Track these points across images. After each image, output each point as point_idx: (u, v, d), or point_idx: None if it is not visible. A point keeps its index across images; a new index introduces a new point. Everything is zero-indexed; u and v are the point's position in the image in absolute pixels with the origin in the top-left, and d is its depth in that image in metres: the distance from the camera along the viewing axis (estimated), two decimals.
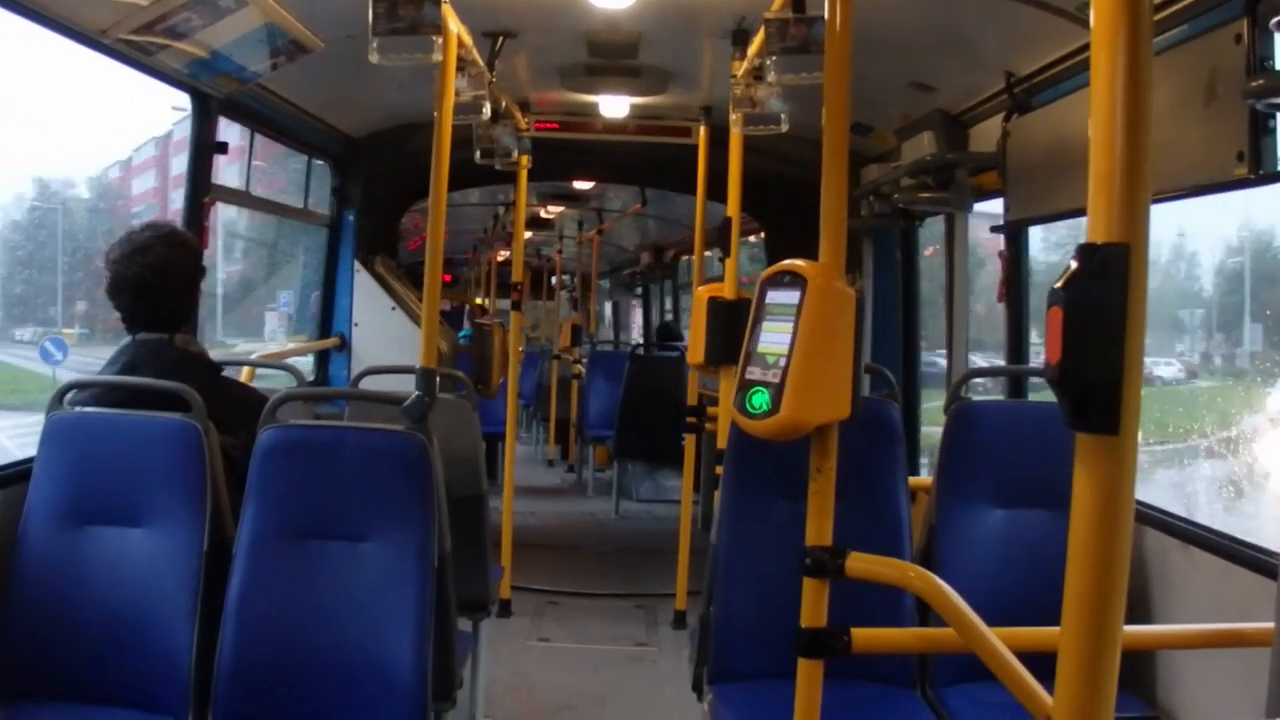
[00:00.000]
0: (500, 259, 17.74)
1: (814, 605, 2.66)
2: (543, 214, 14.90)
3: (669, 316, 16.99)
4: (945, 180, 5.96)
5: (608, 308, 24.02)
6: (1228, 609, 3.58)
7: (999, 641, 2.23)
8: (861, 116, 6.51)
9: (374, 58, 3.91)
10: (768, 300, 2.71)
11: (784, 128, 5.08)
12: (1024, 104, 5.21)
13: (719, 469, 4.43)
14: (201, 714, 3.64)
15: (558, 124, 7.77)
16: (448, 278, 19.80)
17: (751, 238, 11.18)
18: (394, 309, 8.11)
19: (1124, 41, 1.48)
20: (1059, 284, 1.51)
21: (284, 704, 3.63)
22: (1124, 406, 1.49)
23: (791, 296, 2.62)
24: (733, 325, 5.60)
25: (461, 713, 5.13)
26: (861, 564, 2.62)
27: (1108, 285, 1.47)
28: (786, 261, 2.71)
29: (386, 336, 7.95)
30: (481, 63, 5.06)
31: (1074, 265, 1.50)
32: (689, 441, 7.46)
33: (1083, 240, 1.50)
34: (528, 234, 16.30)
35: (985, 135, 5.67)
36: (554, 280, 19.50)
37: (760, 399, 2.58)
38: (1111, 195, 1.47)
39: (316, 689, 3.63)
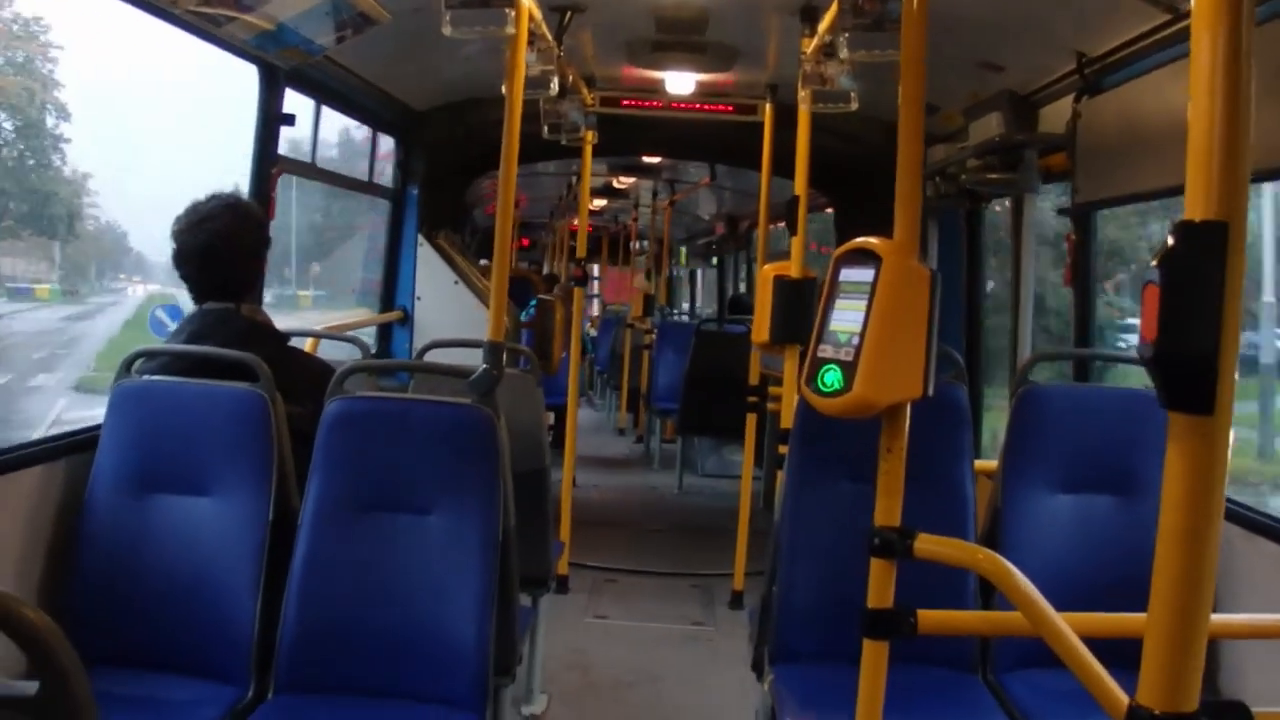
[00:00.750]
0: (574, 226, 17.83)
1: (881, 586, 2.64)
2: (616, 184, 14.90)
3: (743, 288, 16.95)
4: (1013, 161, 5.90)
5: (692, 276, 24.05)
6: None
7: (1068, 627, 2.20)
8: (929, 96, 6.39)
9: (447, 29, 3.91)
10: (842, 278, 2.69)
11: (854, 105, 5.04)
12: (1095, 85, 5.15)
13: (782, 448, 4.42)
14: (263, 683, 3.66)
15: (623, 100, 7.75)
16: (525, 242, 19.90)
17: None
18: (457, 283, 8.12)
19: (1224, 13, 1.45)
20: (1154, 262, 1.48)
21: (345, 674, 3.65)
22: (1220, 386, 1.46)
23: (866, 274, 2.59)
24: (798, 304, 5.58)
25: (519, 687, 5.15)
26: (930, 545, 2.60)
27: (1206, 263, 1.44)
28: (861, 240, 2.68)
29: (449, 311, 7.95)
30: (550, 37, 5.06)
31: (1171, 243, 1.47)
32: (750, 420, 7.43)
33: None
34: (602, 202, 16.47)
35: (1054, 116, 5.61)
36: (632, 247, 19.54)
37: (833, 377, 2.56)
38: (1210, 172, 1.44)
39: (378, 660, 3.64)
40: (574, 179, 13.13)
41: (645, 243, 19.90)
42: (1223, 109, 1.44)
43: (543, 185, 14.08)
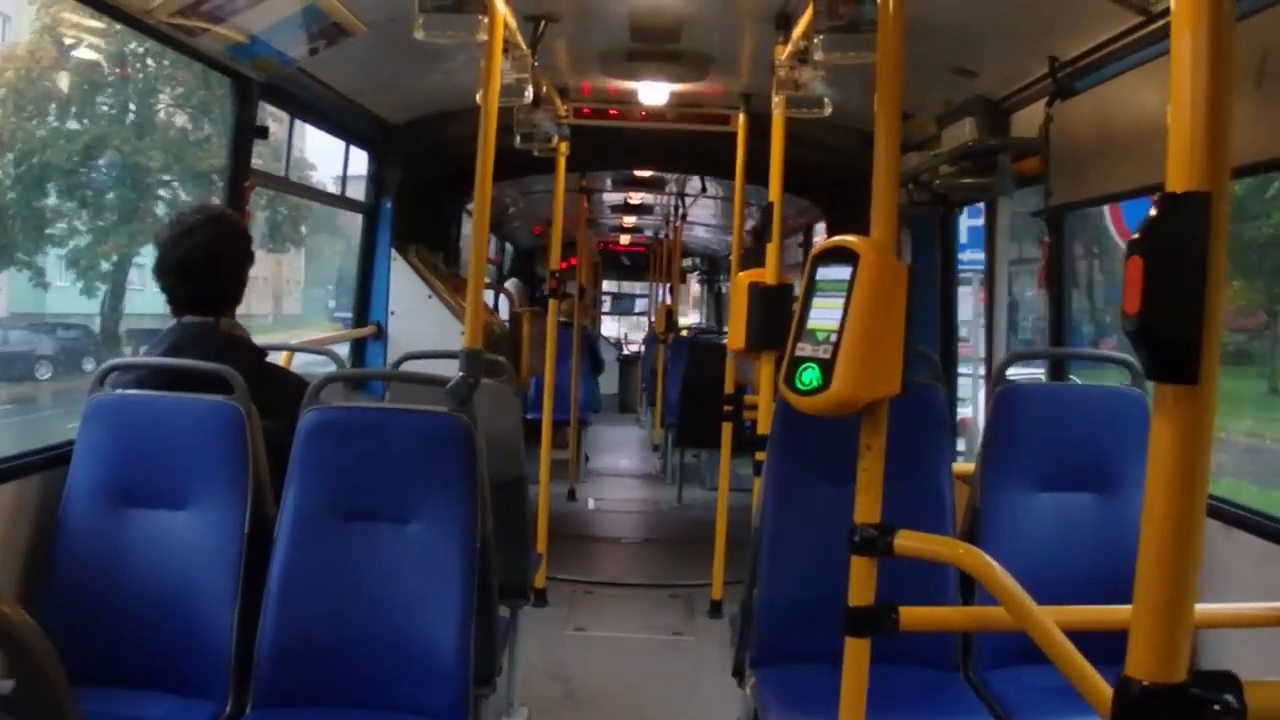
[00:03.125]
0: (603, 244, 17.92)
1: (862, 584, 2.63)
2: (630, 200, 14.91)
3: None
4: (986, 166, 5.93)
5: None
6: (1275, 591, 3.54)
7: (1050, 621, 2.20)
8: (902, 103, 6.43)
9: (419, 34, 3.91)
10: (818, 276, 2.68)
11: (827, 111, 5.05)
12: (1067, 89, 5.17)
13: (760, 454, 4.42)
14: (242, 697, 3.64)
15: (597, 110, 7.75)
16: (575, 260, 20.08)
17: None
18: (430, 298, 8.11)
19: None
20: (1138, 234, 1.48)
21: (324, 686, 3.63)
22: (1204, 356, 1.46)
23: (843, 272, 2.59)
24: (774, 310, 5.58)
25: (498, 699, 5.13)
26: (910, 542, 2.60)
27: (1188, 234, 1.44)
28: (838, 237, 2.69)
29: (423, 325, 7.94)
30: (525, 45, 5.06)
31: (1154, 213, 1.47)
32: (725, 430, 7.43)
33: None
34: (632, 219, 16.68)
35: (1027, 121, 5.64)
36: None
37: (811, 375, 2.56)
38: (1193, 141, 1.44)
39: (358, 671, 3.62)
40: (575, 193, 13.03)
41: (697, 259, 19.97)
42: (1206, 79, 1.44)
43: (545, 202, 14.04)
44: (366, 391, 6.88)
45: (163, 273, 4.04)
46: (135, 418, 3.83)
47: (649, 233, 19.02)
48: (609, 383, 19.98)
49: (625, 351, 21.93)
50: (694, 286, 26.61)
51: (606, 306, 25.74)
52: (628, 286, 25.95)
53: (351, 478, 3.73)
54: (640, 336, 22.58)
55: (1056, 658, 2.12)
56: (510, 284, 12.70)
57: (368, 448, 3.74)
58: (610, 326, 26.30)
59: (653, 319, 20.72)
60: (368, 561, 3.67)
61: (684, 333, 14.35)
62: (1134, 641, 1.53)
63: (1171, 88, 1.47)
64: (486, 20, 3.90)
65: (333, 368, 4.67)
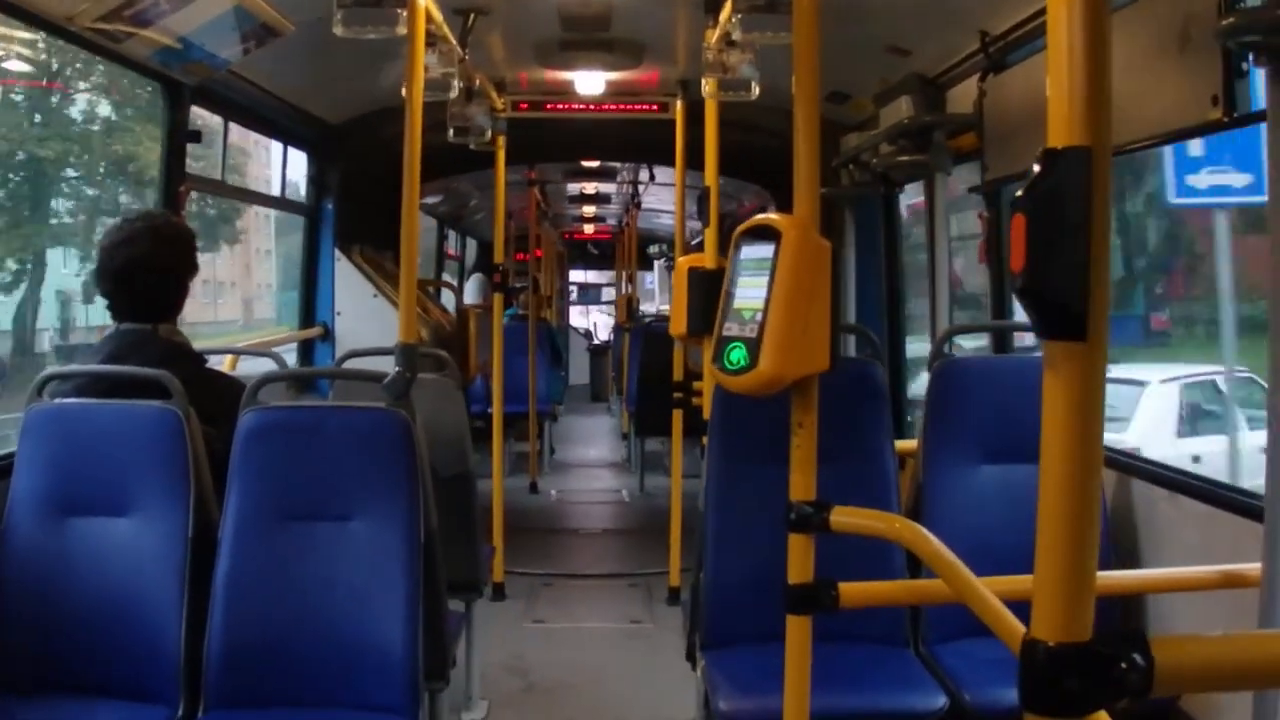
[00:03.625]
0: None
1: (800, 561, 2.64)
2: (585, 190, 14.93)
3: None
4: (923, 144, 5.95)
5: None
6: (1217, 555, 3.57)
7: (984, 588, 2.21)
8: (839, 84, 6.49)
9: (338, 29, 3.89)
10: (742, 255, 2.69)
11: (755, 93, 5.05)
12: (999, 63, 5.19)
13: (704, 439, 4.43)
14: (193, 700, 3.62)
15: (533, 103, 7.74)
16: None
17: None
18: (376, 296, 8.08)
19: None
20: (1020, 192, 1.49)
21: (275, 687, 3.62)
22: (1091, 312, 1.46)
23: (766, 250, 2.60)
24: (714, 294, 5.57)
25: (456, 693, 5.12)
26: (846, 517, 2.61)
27: (1069, 190, 1.44)
28: (760, 216, 2.70)
29: (370, 325, 7.91)
30: (453, 39, 5.04)
31: (1036, 169, 1.48)
32: (675, 417, 7.43)
33: None
34: (591, 209, 16.76)
35: (963, 97, 5.66)
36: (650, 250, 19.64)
37: (738, 354, 2.57)
38: (1072, 96, 1.44)
39: (308, 670, 3.61)
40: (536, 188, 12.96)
41: (663, 246, 19.92)
42: (1082, 35, 1.44)
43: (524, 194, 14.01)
44: (314, 395, 6.85)
45: (100, 280, 4.02)
46: (74, 426, 3.81)
47: (611, 220, 19.05)
48: (580, 374, 19.96)
49: (595, 342, 21.91)
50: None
51: (574, 297, 25.72)
52: (600, 276, 25.85)
53: (292, 478, 3.72)
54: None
55: (991, 623, 2.13)
56: (473, 279, 12.63)
57: (306, 447, 3.73)
58: (581, 317, 26.25)
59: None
60: (312, 560, 3.66)
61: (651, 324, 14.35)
62: (1038, 601, 1.54)
63: (1049, 44, 1.47)
64: (404, 13, 3.89)
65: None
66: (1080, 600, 1.51)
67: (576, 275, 25.55)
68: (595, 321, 25.90)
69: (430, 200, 12.08)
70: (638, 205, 14.71)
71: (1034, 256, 1.46)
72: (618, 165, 12.38)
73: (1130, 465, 4.21)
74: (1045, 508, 1.53)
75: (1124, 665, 1.50)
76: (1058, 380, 1.50)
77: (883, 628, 4.10)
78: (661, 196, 13.98)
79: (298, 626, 3.63)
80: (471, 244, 16.98)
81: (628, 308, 15.20)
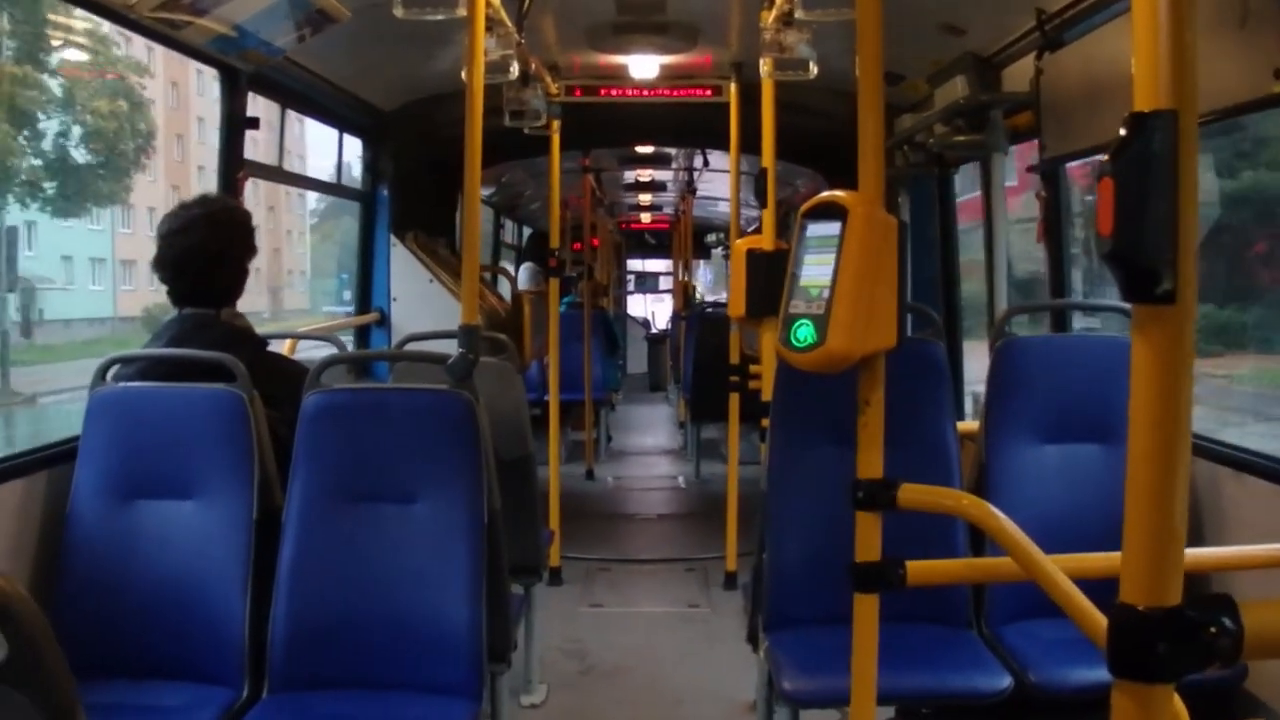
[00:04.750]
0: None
1: (867, 539, 2.63)
2: (640, 177, 14.87)
3: None
4: (978, 123, 5.92)
5: None
6: None
7: (1055, 568, 2.20)
8: (893, 65, 6.45)
9: (399, 11, 3.90)
10: (808, 233, 2.68)
11: (813, 73, 5.03)
12: (1056, 40, 5.15)
13: (764, 421, 4.42)
14: (257, 683, 3.65)
15: (587, 87, 7.74)
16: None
17: None
18: (431, 282, 8.10)
19: None
20: (1108, 156, 1.48)
21: (339, 669, 3.64)
22: (1180, 275, 1.45)
23: (832, 228, 2.59)
24: (773, 276, 5.57)
25: (515, 677, 5.14)
26: (914, 494, 2.59)
27: (1157, 152, 1.43)
28: (826, 193, 2.68)
29: (426, 310, 7.92)
30: (510, 22, 5.04)
31: (1123, 133, 1.46)
32: (732, 401, 7.42)
33: None
34: (648, 197, 16.62)
35: (1018, 75, 5.62)
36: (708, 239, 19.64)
37: (805, 332, 2.55)
38: (1157, 59, 1.43)
39: (372, 652, 3.63)
40: (592, 175, 12.92)
41: (719, 235, 19.92)
42: None
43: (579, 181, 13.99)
44: (371, 380, 6.88)
45: (159, 267, 4.06)
46: (138, 410, 3.83)
47: (668, 209, 19.00)
48: (638, 363, 19.95)
49: (653, 330, 21.90)
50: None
51: (632, 286, 25.74)
52: (658, 265, 25.88)
53: (356, 459, 3.73)
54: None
55: (1061, 601, 2.12)
56: (525, 267, 12.64)
57: (370, 428, 3.75)
58: (640, 306, 26.29)
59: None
60: (376, 542, 3.68)
61: (708, 309, 14.32)
62: (1126, 566, 1.53)
63: (1134, 8, 1.46)
64: None
65: None
66: (1170, 564, 1.50)
67: (635, 264, 25.58)
68: (653, 310, 25.95)
69: (484, 192, 12.08)
70: (693, 192, 14.66)
71: (1122, 220, 1.45)
72: (672, 152, 12.32)
73: (1196, 444, 4.18)
74: (1134, 471, 1.52)
75: (1214, 629, 1.49)
76: (1147, 344, 1.49)
77: (945, 608, 4.09)
78: (716, 184, 13.94)
79: (362, 608, 3.65)
80: (527, 233, 16.99)
81: (685, 295, 15.16)
